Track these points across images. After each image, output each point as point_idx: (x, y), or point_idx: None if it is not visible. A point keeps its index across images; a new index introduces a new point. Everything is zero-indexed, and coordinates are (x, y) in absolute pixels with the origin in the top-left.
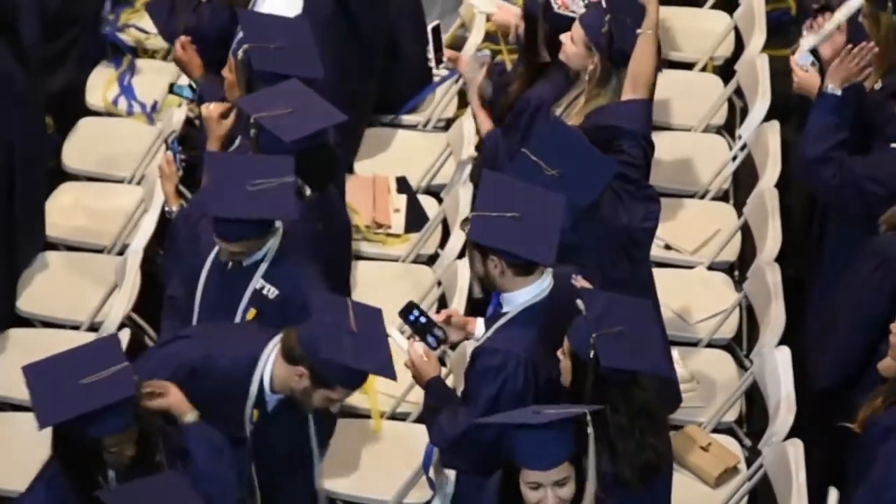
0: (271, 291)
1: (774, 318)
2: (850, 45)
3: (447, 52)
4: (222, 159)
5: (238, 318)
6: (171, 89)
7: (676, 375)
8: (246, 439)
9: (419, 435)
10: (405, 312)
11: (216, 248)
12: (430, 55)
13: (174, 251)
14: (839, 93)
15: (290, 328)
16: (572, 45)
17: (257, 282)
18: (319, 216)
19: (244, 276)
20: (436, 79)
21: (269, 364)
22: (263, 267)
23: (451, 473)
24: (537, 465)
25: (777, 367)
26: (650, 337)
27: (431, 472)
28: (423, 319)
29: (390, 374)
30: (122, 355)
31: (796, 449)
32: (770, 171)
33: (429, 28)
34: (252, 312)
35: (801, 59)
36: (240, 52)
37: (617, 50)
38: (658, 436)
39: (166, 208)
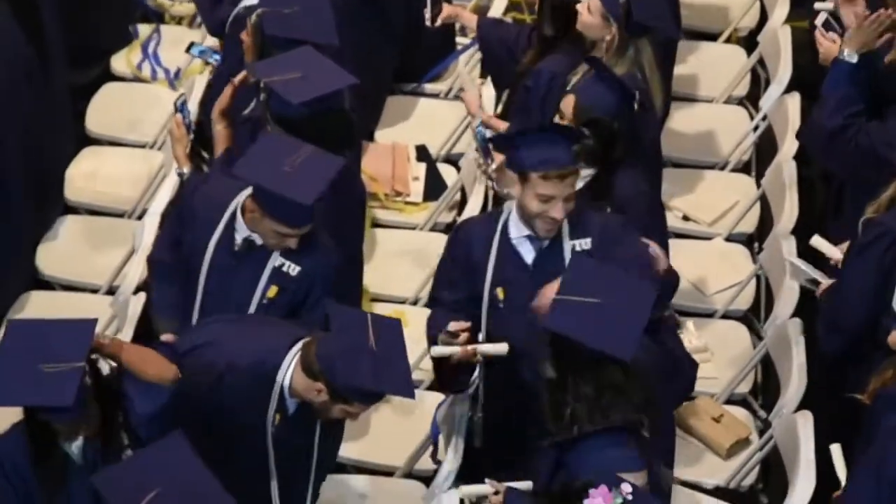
0: (292, 268)
1: (788, 290)
2: (869, 12)
3: (446, 9)
4: (252, 162)
5: (257, 297)
6: (189, 48)
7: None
8: (266, 443)
9: (430, 402)
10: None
11: (219, 230)
12: (427, 13)
13: (176, 216)
14: (854, 59)
15: (312, 340)
16: (589, 14)
17: (276, 259)
18: (334, 183)
19: (260, 256)
20: (458, 48)
21: (290, 373)
22: None
23: (459, 444)
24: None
25: (789, 338)
26: (627, 319)
27: (441, 441)
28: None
29: (409, 394)
30: (86, 349)
31: (806, 420)
32: (789, 142)
33: None
34: (273, 290)
35: (818, 20)
36: (254, 16)
37: (634, 20)
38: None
39: (177, 171)
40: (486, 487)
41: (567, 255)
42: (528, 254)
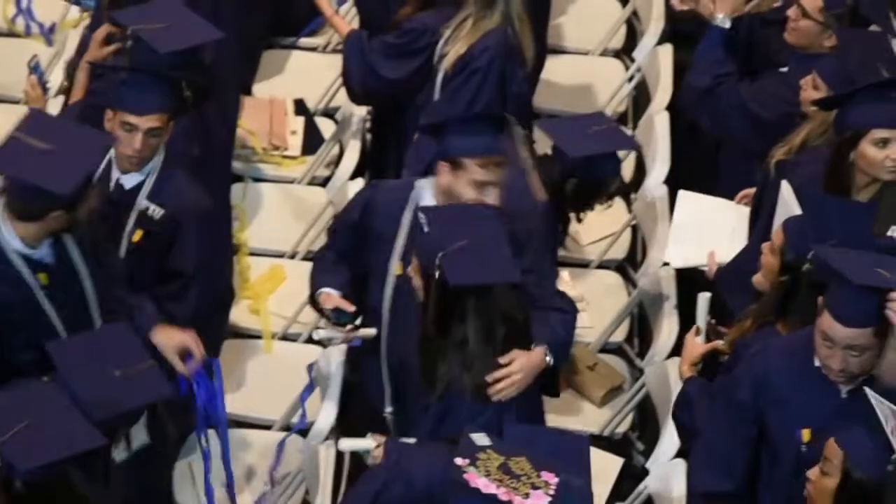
0: (157, 211)
1: (660, 238)
2: None
3: None
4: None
5: (124, 242)
6: None
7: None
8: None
9: (309, 356)
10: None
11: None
12: None
13: None
14: (727, 25)
15: None
16: None
17: (142, 203)
18: (195, 136)
19: (128, 199)
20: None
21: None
22: (147, 187)
23: (334, 399)
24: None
25: (662, 287)
26: (495, 245)
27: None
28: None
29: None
30: (143, 348)
31: (676, 368)
32: (661, 94)
33: None
34: (138, 234)
35: None
36: None
37: None
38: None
39: None
40: (367, 442)
41: None
42: None
